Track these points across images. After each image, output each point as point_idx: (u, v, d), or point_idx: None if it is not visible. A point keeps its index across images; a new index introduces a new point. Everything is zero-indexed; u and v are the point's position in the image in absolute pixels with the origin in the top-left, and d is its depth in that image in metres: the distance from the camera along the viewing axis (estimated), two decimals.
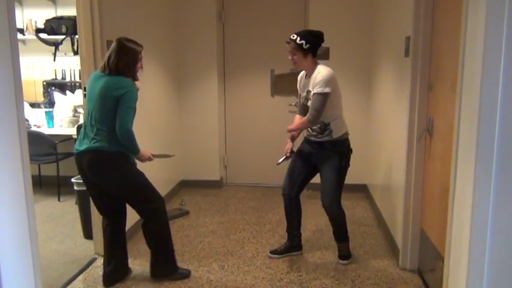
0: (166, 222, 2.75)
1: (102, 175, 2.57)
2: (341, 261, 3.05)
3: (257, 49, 4.76)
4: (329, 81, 2.75)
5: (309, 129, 2.95)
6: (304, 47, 2.77)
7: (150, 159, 2.74)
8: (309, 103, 2.84)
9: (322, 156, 2.92)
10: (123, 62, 2.52)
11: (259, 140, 4.92)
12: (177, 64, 4.67)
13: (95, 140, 2.50)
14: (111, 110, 2.48)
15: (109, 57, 2.54)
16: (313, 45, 2.81)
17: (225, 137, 5.01)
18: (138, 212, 2.72)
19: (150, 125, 3.83)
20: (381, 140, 3.83)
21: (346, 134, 2.95)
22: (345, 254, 3.07)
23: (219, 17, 4.72)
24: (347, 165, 2.93)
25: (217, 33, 4.69)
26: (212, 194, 4.68)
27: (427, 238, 2.66)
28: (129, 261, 2.90)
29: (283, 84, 4.80)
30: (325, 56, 4.53)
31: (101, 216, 3.07)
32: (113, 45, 2.56)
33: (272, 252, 3.19)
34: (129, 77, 2.58)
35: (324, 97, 2.75)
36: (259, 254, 3.20)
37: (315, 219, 3.81)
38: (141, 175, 2.66)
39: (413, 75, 2.68)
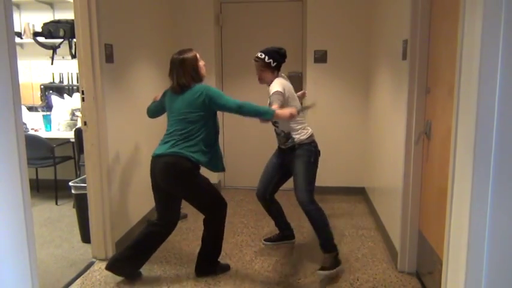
0: (223, 225, 2.88)
1: (171, 180, 2.69)
2: (317, 271, 2.86)
3: (255, 52, 4.75)
4: (278, 85, 2.88)
5: (277, 138, 3.10)
6: (272, 65, 2.97)
7: (293, 116, 2.71)
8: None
9: (293, 156, 2.97)
10: (187, 73, 2.68)
11: (257, 143, 4.92)
12: None
13: (180, 147, 2.65)
14: (197, 121, 2.66)
15: (174, 76, 2.71)
16: (275, 61, 2.98)
17: (222, 140, 5.01)
18: (202, 212, 2.85)
19: (148, 128, 3.83)
20: (379, 143, 3.84)
21: (311, 137, 2.99)
22: (325, 266, 2.86)
23: (217, 21, 4.73)
24: (316, 163, 2.97)
25: (215, 37, 4.70)
26: None
27: (425, 241, 2.66)
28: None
29: None
30: (323, 60, 4.55)
31: (99, 220, 3.08)
32: (170, 65, 2.73)
33: (266, 240, 3.43)
34: (197, 82, 2.73)
35: (281, 95, 2.85)
36: (257, 257, 3.20)
37: None
38: (205, 181, 2.77)
39: (410, 78, 2.69)
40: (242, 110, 2.66)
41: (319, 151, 3.01)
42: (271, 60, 2.96)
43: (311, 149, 2.97)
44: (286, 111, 2.68)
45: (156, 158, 2.70)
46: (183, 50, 2.77)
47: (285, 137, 3.00)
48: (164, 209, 2.82)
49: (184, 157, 2.63)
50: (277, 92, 2.84)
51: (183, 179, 2.69)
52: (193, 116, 2.65)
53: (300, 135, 2.96)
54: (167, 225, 2.82)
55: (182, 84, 2.68)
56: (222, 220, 2.87)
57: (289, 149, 3.01)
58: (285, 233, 3.40)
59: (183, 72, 2.68)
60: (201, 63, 2.78)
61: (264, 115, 2.65)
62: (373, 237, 3.55)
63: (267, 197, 3.24)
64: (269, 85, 2.98)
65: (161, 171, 2.67)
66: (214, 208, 2.83)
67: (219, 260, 2.96)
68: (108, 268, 2.79)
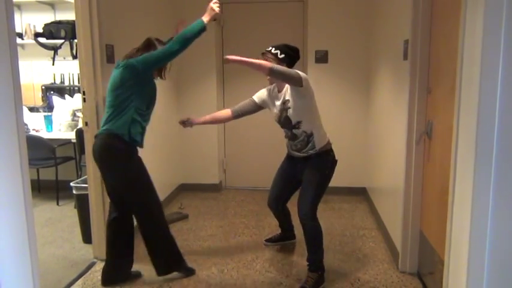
0: (164, 222, 2.72)
1: (104, 162, 2.56)
2: None
3: (256, 53, 4.73)
4: (303, 75, 2.62)
5: (291, 144, 2.82)
6: (279, 56, 2.71)
7: (216, 4, 2.57)
8: (289, 112, 2.71)
9: (307, 165, 2.78)
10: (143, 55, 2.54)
11: (258, 143, 4.92)
12: (176, 68, 4.67)
13: (110, 123, 2.51)
14: (124, 92, 2.47)
15: (135, 50, 2.58)
16: (288, 57, 2.74)
17: (224, 140, 5.01)
18: (133, 211, 2.69)
19: (148, 128, 3.83)
20: (380, 143, 3.83)
21: (329, 144, 2.83)
22: (305, 287, 2.68)
23: (218, 21, 4.73)
24: (330, 174, 2.79)
25: (216, 37, 4.70)
26: (211, 198, 4.68)
27: (426, 241, 2.66)
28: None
29: None
30: (324, 60, 4.55)
31: (100, 220, 3.08)
32: (144, 42, 2.61)
33: (267, 240, 3.41)
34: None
35: (297, 74, 2.56)
36: (258, 257, 3.20)
37: None
38: (143, 171, 2.62)
39: (411, 78, 2.68)
40: (179, 42, 2.46)
41: (336, 161, 2.81)
42: (278, 51, 2.71)
43: (328, 159, 2.77)
44: (208, 8, 2.55)
45: (94, 139, 2.57)
46: (165, 43, 2.65)
47: (304, 140, 2.74)
48: (113, 196, 2.69)
49: (115, 135, 2.48)
50: (296, 71, 2.57)
51: (113, 160, 2.53)
52: (124, 87, 2.47)
53: (320, 138, 2.75)
54: (123, 218, 2.70)
55: (132, 57, 2.52)
56: (156, 227, 2.68)
57: (303, 159, 2.79)
58: (286, 234, 3.39)
59: (144, 52, 2.54)
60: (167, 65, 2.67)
61: (197, 29, 2.48)
62: (374, 238, 3.55)
63: (279, 208, 3.15)
64: (280, 84, 2.77)
65: (95, 152, 2.54)
66: (144, 207, 2.64)
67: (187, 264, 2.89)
68: (104, 285, 2.76)
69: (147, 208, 2.66)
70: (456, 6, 1.88)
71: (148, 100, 2.60)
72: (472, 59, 1.53)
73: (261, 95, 2.97)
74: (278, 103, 2.80)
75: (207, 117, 3.01)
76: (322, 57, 4.54)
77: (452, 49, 2.12)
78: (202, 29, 2.51)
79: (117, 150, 2.51)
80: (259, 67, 2.51)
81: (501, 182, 1.47)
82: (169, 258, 2.80)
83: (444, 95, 2.34)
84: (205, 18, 2.54)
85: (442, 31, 2.40)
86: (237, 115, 2.97)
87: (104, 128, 2.52)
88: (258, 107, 2.97)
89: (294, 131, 2.76)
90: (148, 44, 2.60)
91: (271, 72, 2.50)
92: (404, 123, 2.77)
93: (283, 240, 3.40)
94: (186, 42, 2.48)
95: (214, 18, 2.57)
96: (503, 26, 1.41)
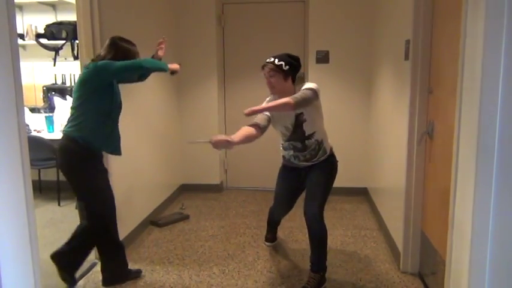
0: (114, 237, 2.72)
1: (62, 164, 2.60)
2: None
3: (257, 53, 4.76)
4: (316, 87, 2.59)
5: (299, 155, 2.78)
6: (284, 68, 2.61)
7: (177, 68, 2.88)
8: (305, 125, 2.67)
9: (313, 169, 2.78)
10: (111, 57, 2.54)
11: (259, 143, 4.88)
12: None
13: (68, 126, 2.56)
14: (83, 95, 2.49)
15: (99, 54, 2.61)
16: (292, 67, 2.65)
17: None
18: (87, 215, 2.66)
19: (150, 129, 3.84)
20: (381, 143, 3.83)
21: (332, 148, 2.86)
22: (306, 287, 2.67)
23: (219, 21, 4.73)
24: (335, 175, 2.82)
25: (217, 38, 4.70)
26: (212, 198, 4.68)
27: (428, 241, 2.66)
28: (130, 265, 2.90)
29: None
30: (325, 60, 4.55)
31: None
32: (106, 42, 2.62)
33: (266, 240, 3.39)
34: None
35: (314, 92, 2.53)
36: (260, 258, 3.20)
37: None
38: (97, 178, 2.60)
39: (413, 78, 2.68)
40: (144, 63, 2.55)
41: (337, 161, 2.86)
42: (282, 63, 2.62)
43: (333, 160, 2.83)
44: (174, 65, 2.85)
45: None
46: (129, 40, 2.65)
47: (316, 148, 2.73)
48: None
49: (71, 138, 2.49)
50: (311, 88, 2.53)
51: (69, 164, 2.55)
52: (82, 90, 2.48)
53: (327, 142, 2.78)
54: (97, 223, 2.67)
55: (100, 58, 2.55)
56: (104, 238, 2.68)
57: (309, 167, 2.78)
58: (275, 228, 3.40)
59: (109, 53, 2.55)
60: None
61: (161, 66, 2.68)
62: (376, 238, 3.55)
63: (281, 218, 3.22)
64: (286, 96, 2.57)
65: (58, 155, 2.59)
66: (94, 215, 2.62)
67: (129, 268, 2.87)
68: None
69: (97, 218, 2.65)
70: (457, 6, 1.88)
71: (108, 107, 2.56)
72: (473, 59, 1.53)
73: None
74: (290, 118, 2.70)
75: (241, 139, 2.58)
76: (323, 58, 4.54)
77: (453, 49, 2.11)
78: (164, 69, 2.73)
79: (71, 152, 2.53)
80: (283, 107, 2.44)
81: (503, 182, 1.47)
82: (114, 271, 2.78)
83: (445, 95, 2.34)
84: (170, 66, 2.81)
85: (444, 31, 2.40)
86: (263, 130, 2.67)
87: (64, 129, 2.58)
88: (270, 122, 2.74)
89: (306, 142, 2.72)
90: (110, 44, 2.58)
91: (297, 106, 2.44)
92: (406, 123, 2.77)
93: (276, 233, 3.41)
94: (150, 67, 2.63)
95: (172, 72, 2.88)
96: (504, 25, 1.41)
